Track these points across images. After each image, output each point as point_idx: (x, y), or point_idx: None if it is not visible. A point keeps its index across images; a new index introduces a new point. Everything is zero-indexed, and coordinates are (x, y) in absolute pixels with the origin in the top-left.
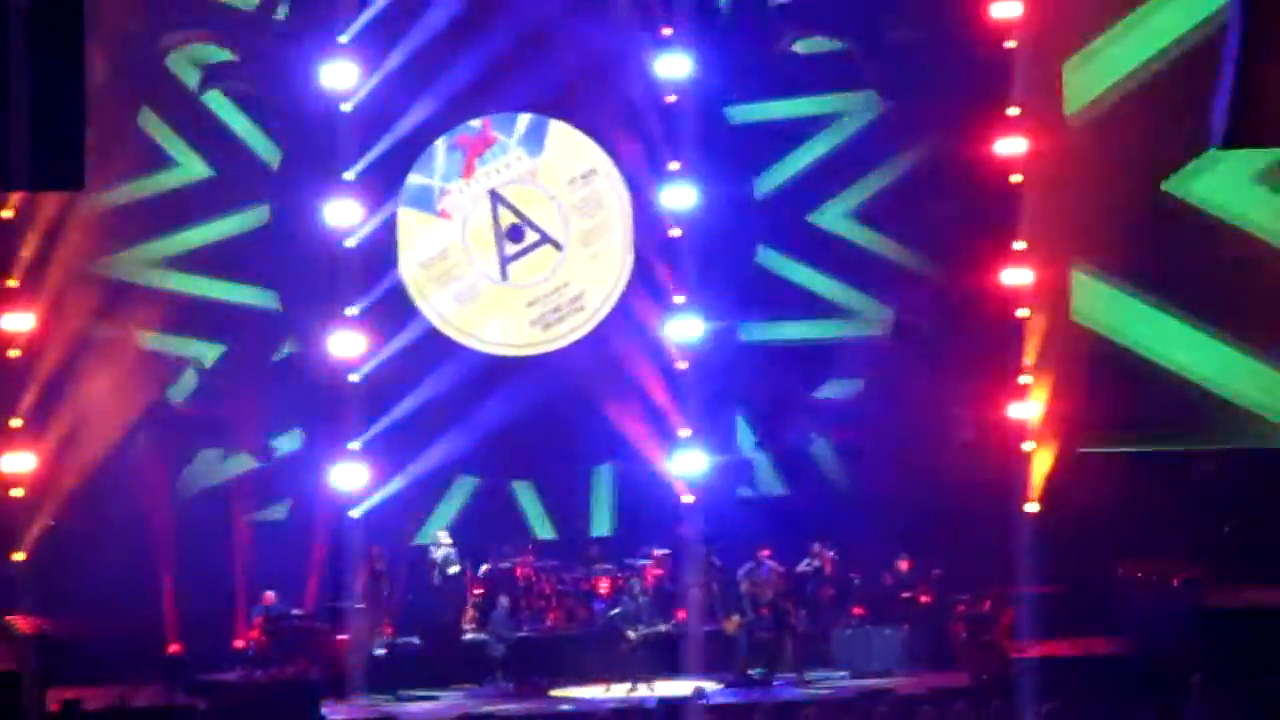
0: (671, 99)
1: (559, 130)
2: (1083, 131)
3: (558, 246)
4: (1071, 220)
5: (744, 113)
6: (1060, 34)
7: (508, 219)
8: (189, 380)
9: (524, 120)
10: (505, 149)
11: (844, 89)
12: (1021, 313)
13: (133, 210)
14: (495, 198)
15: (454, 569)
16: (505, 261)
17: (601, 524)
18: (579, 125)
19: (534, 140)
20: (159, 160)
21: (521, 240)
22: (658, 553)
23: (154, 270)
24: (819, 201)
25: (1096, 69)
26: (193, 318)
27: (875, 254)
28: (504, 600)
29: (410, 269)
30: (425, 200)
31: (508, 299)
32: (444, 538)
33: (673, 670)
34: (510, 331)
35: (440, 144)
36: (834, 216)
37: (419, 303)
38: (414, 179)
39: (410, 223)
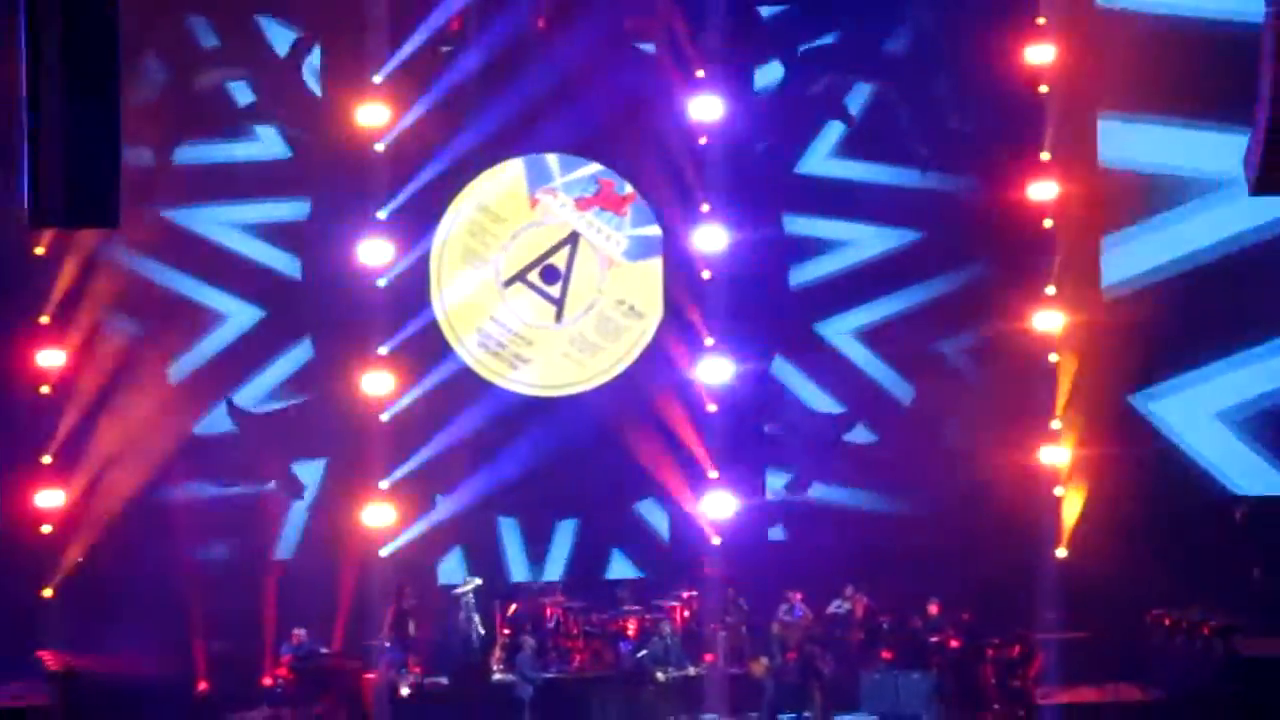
0: (703, 140)
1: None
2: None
3: (574, 239)
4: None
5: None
6: (1093, 80)
7: (561, 259)
8: (219, 417)
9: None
10: (619, 226)
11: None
12: (1053, 357)
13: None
14: (574, 240)
15: (476, 616)
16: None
17: (629, 565)
18: (611, 166)
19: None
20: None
21: (552, 284)
22: (686, 595)
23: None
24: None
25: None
26: (227, 353)
27: (906, 298)
28: (530, 641)
29: (444, 307)
30: (540, 175)
31: (542, 339)
32: (472, 579)
33: (700, 712)
34: (543, 372)
35: (593, 166)
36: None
37: (452, 342)
38: (548, 158)
39: (450, 256)
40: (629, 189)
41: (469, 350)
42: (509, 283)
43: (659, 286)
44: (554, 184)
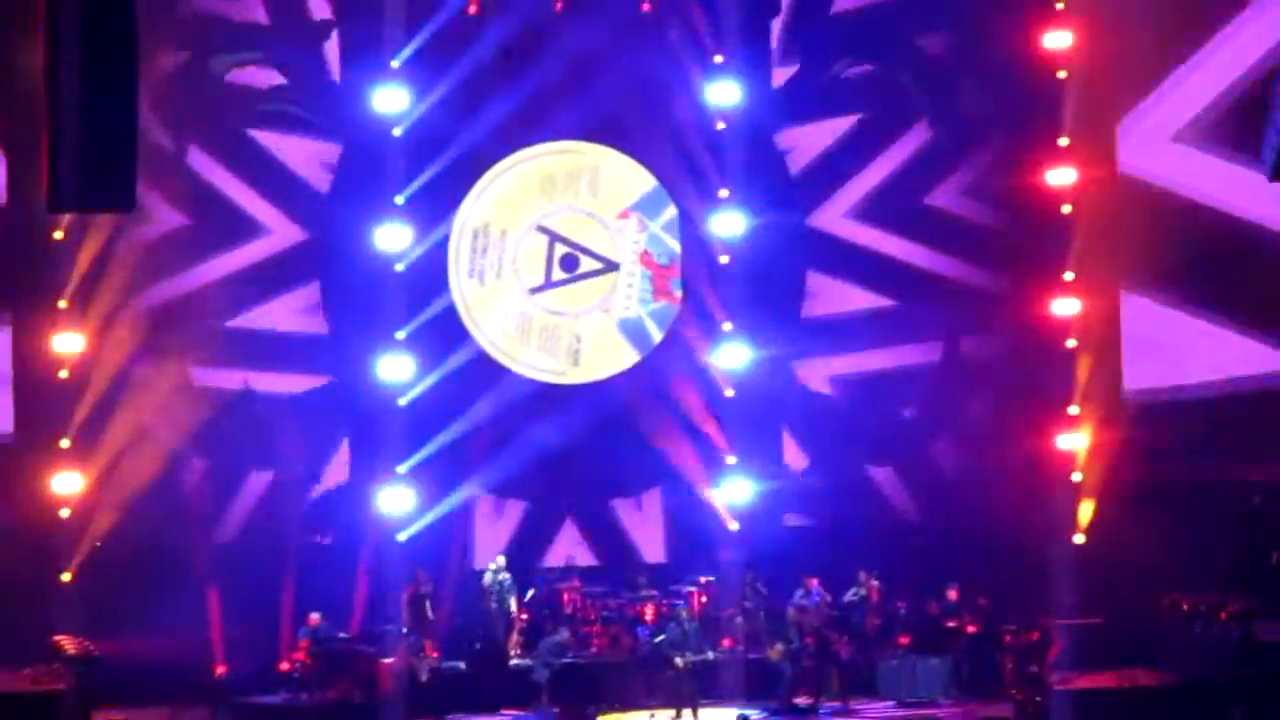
0: (721, 126)
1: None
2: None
3: (614, 267)
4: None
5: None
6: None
7: (561, 250)
8: (237, 402)
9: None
10: (642, 298)
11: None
12: (1070, 343)
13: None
14: (548, 233)
15: (502, 591)
16: (550, 286)
17: (648, 551)
18: (628, 152)
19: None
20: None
21: (576, 268)
22: (704, 580)
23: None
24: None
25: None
26: (241, 342)
27: (925, 283)
28: (564, 631)
29: (462, 291)
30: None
31: (587, 327)
32: (493, 563)
33: (718, 697)
34: (601, 357)
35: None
36: (882, 242)
37: (470, 327)
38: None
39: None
40: (674, 269)
41: (487, 335)
42: (540, 290)
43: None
44: (650, 223)
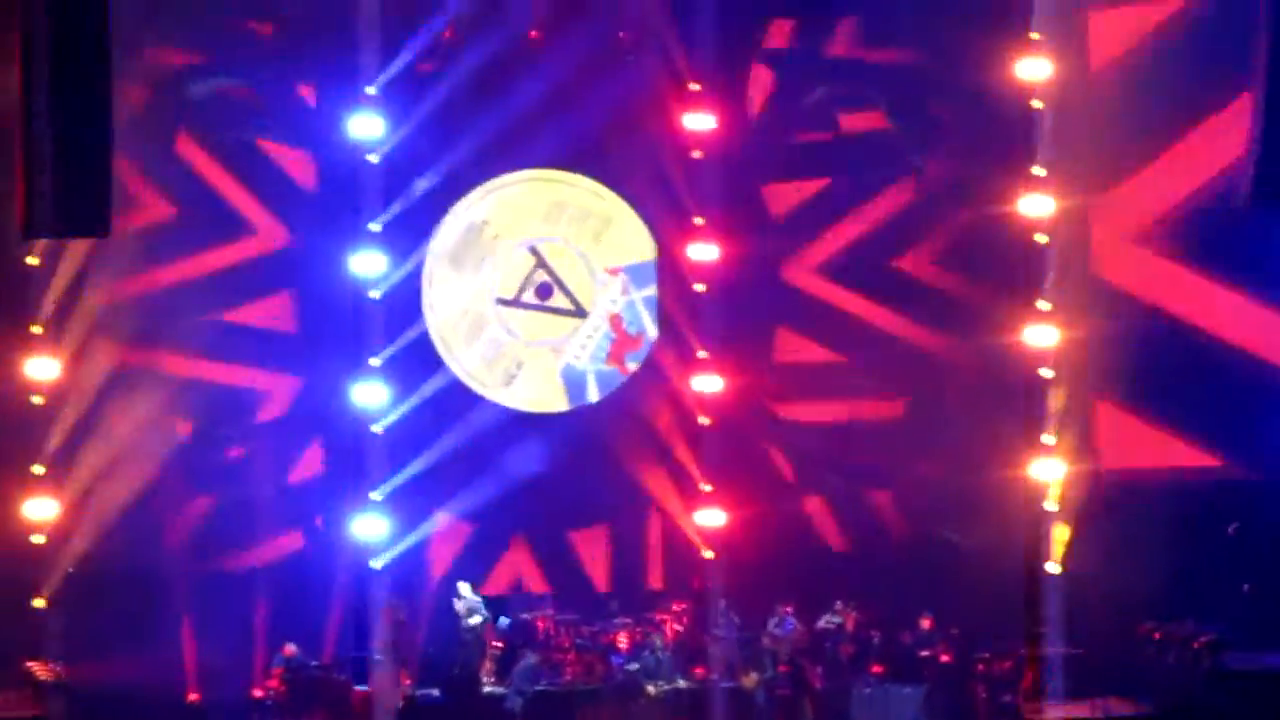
0: (697, 155)
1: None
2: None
3: (583, 315)
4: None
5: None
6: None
7: (541, 277)
8: (210, 428)
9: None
10: (598, 348)
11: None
12: (1045, 372)
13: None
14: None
15: (476, 619)
16: (516, 305)
17: (621, 578)
18: (604, 180)
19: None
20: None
21: (548, 299)
22: (677, 608)
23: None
24: (844, 261)
25: None
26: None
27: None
28: (532, 656)
29: (437, 321)
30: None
31: (532, 357)
32: (466, 590)
33: None
34: (533, 389)
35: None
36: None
37: (444, 355)
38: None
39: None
40: (638, 342)
41: (461, 363)
42: (506, 303)
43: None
44: (634, 291)
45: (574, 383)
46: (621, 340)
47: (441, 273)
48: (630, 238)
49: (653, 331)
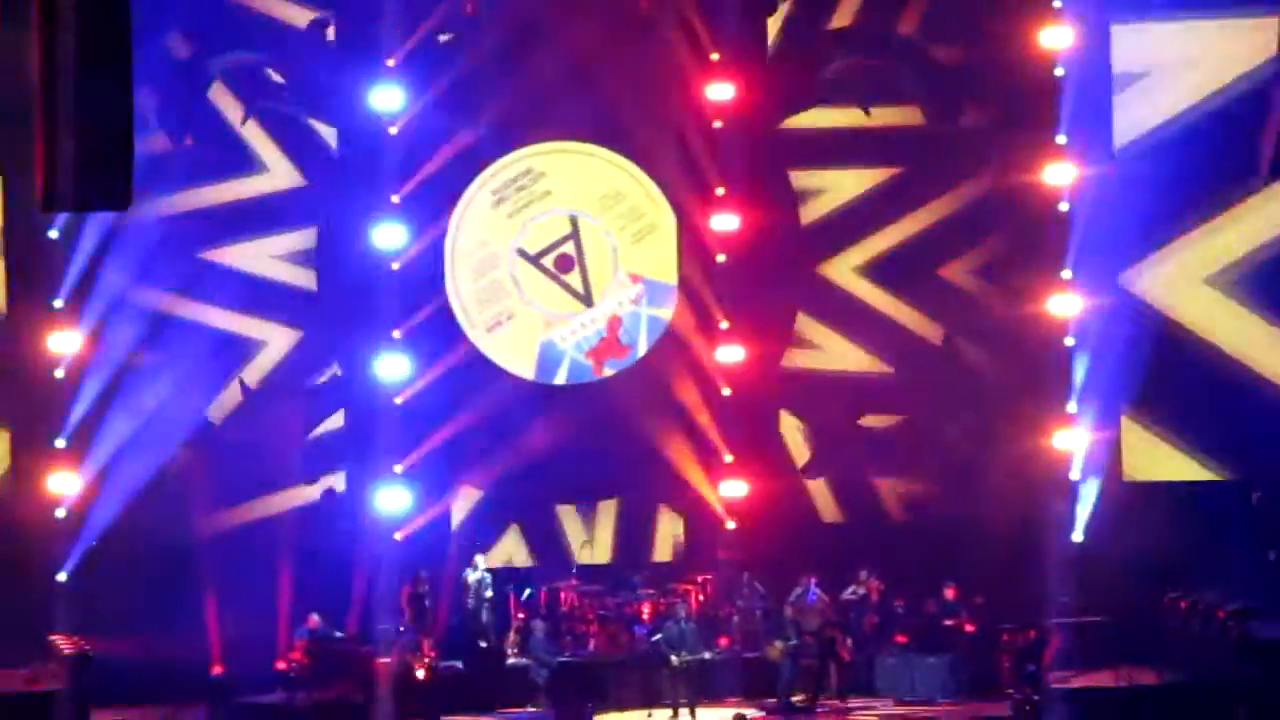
0: (718, 125)
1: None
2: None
3: (588, 303)
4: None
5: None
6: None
7: (568, 249)
8: (232, 400)
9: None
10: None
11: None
12: (1068, 341)
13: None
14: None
15: (489, 593)
16: (533, 261)
17: (645, 550)
18: (625, 152)
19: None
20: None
21: (566, 273)
22: (701, 578)
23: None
24: (866, 228)
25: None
26: (237, 338)
27: (922, 282)
28: (540, 624)
29: (458, 292)
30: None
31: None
32: (480, 562)
33: (715, 696)
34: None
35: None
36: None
37: (448, 276)
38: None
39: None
40: (625, 352)
41: (458, 290)
42: (525, 256)
43: (673, 263)
44: (645, 305)
45: (548, 359)
46: (610, 343)
47: (482, 198)
48: (665, 254)
49: (643, 349)
